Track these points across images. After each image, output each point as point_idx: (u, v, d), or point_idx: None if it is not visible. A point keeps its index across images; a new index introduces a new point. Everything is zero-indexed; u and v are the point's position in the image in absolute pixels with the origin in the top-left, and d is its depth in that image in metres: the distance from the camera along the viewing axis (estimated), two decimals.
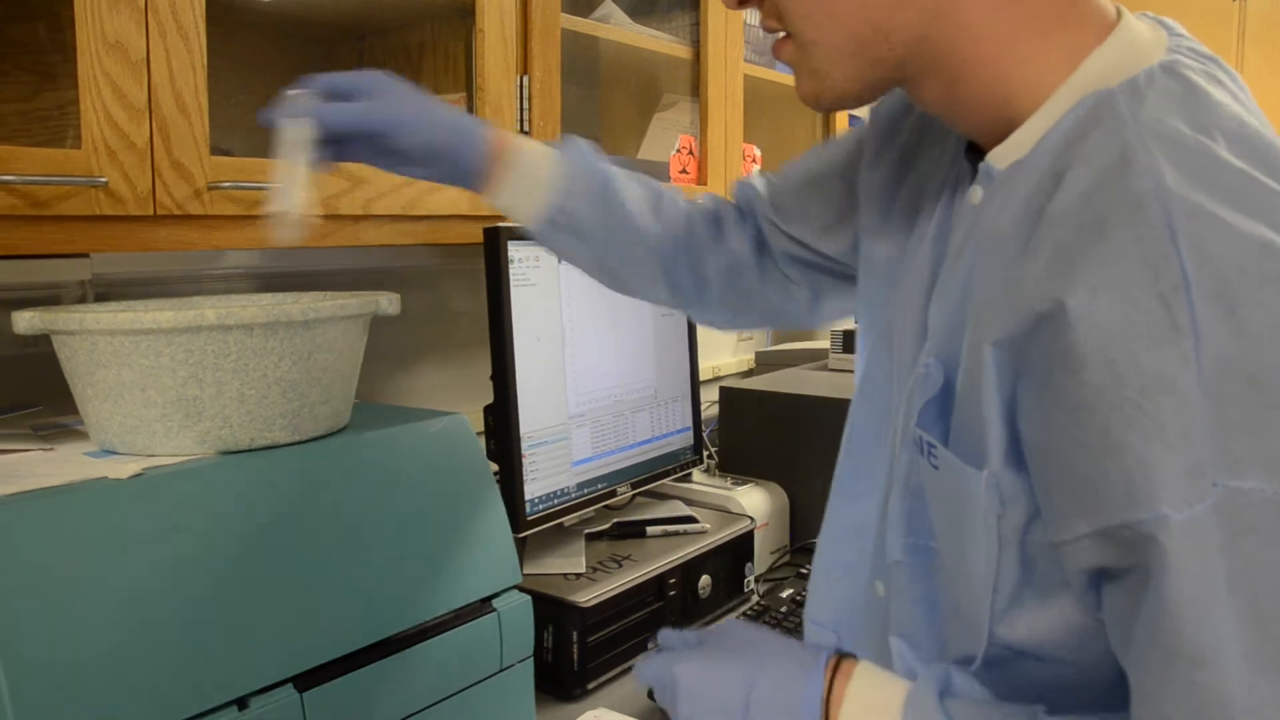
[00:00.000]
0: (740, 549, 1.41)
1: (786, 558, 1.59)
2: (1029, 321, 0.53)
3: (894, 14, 0.59)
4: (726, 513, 1.48)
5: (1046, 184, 0.55)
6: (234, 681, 0.75)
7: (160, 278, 1.21)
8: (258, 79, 1.32)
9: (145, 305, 0.95)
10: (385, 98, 0.77)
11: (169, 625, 0.72)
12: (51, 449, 0.86)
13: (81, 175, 0.82)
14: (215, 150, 0.93)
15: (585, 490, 1.32)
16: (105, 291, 1.14)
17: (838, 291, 0.92)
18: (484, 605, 0.95)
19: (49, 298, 1.11)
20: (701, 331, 1.60)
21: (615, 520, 1.40)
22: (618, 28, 1.49)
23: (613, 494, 1.38)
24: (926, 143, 0.75)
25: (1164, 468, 0.48)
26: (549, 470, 1.27)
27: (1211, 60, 0.58)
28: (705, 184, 1.62)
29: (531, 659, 1.00)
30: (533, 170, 0.83)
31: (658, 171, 1.58)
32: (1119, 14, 0.60)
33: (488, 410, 1.23)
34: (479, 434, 1.09)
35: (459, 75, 1.28)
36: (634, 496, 1.45)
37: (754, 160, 1.77)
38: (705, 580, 1.33)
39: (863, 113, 0.87)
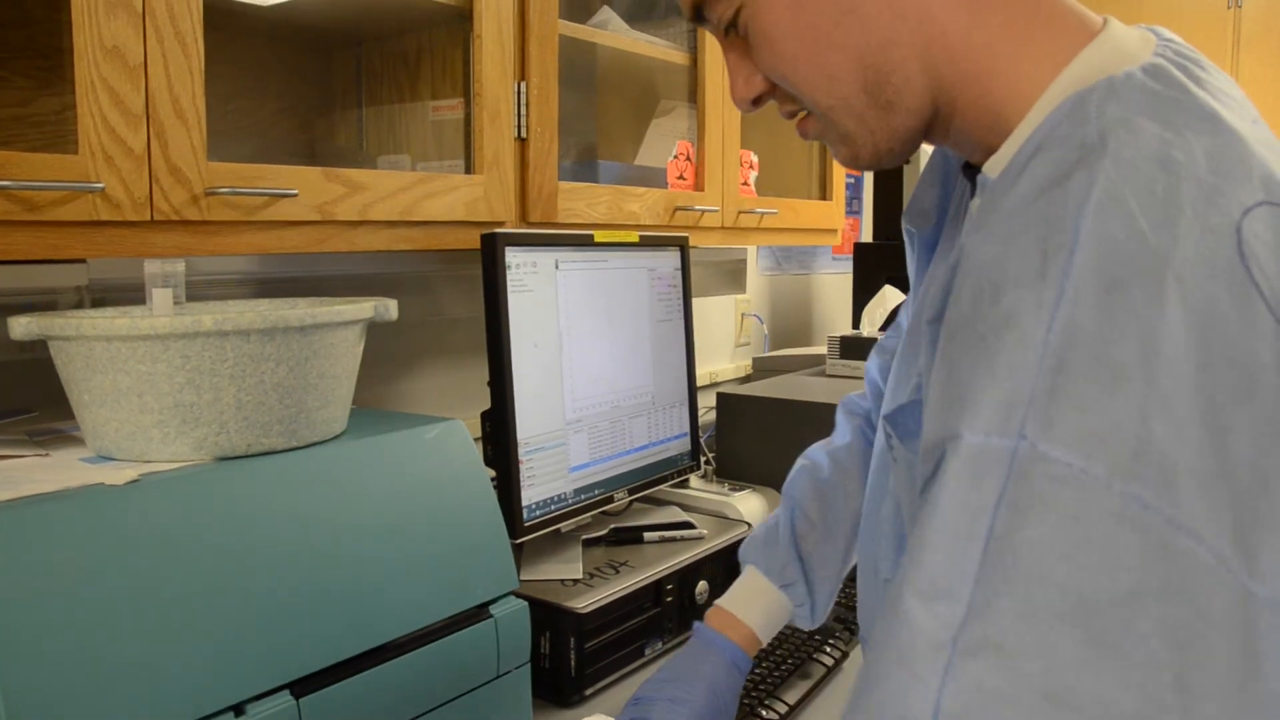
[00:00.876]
0: (737, 555, 1.41)
1: None
2: (947, 278, 0.54)
3: (887, 53, 0.60)
4: (724, 519, 1.48)
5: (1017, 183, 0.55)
6: (230, 688, 0.74)
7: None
8: (255, 85, 1.32)
9: (142, 311, 0.95)
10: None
11: (165, 632, 0.72)
12: (47, 455, 0.86)
13: (78, 180, 0.82)
14: (212, 156, 0.93)
15: (582, 496, 1.32)
16: (102, 297, 1.14)
17: None
18: (481, 611, 0.95)
19: (45, 303, 1.11)
20: (699, 337, 1.60)
21: (612, 526, 1.39)
22: (615, 34, 1.49)
23: (610, 500, 1.38)
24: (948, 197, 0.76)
25: (980, 393, 0.48)
26: (546, 476, 1.26)
27: (1196, 63, 0.58)
28: (703, 189, 1.62)
29: (529, 665, 1.00)
30: (772, 625, 0.96)
31: (655, 178, 1.58)
32: (1106, 23, 0.60)
33: (485, 416, 1.23)
34: (476, 440, 1.09)
35: (457, 81, 1.28)
36: (631, 502, 1.45)
37: (751, 166, 1.77)
38: (703, 586, 1.32)
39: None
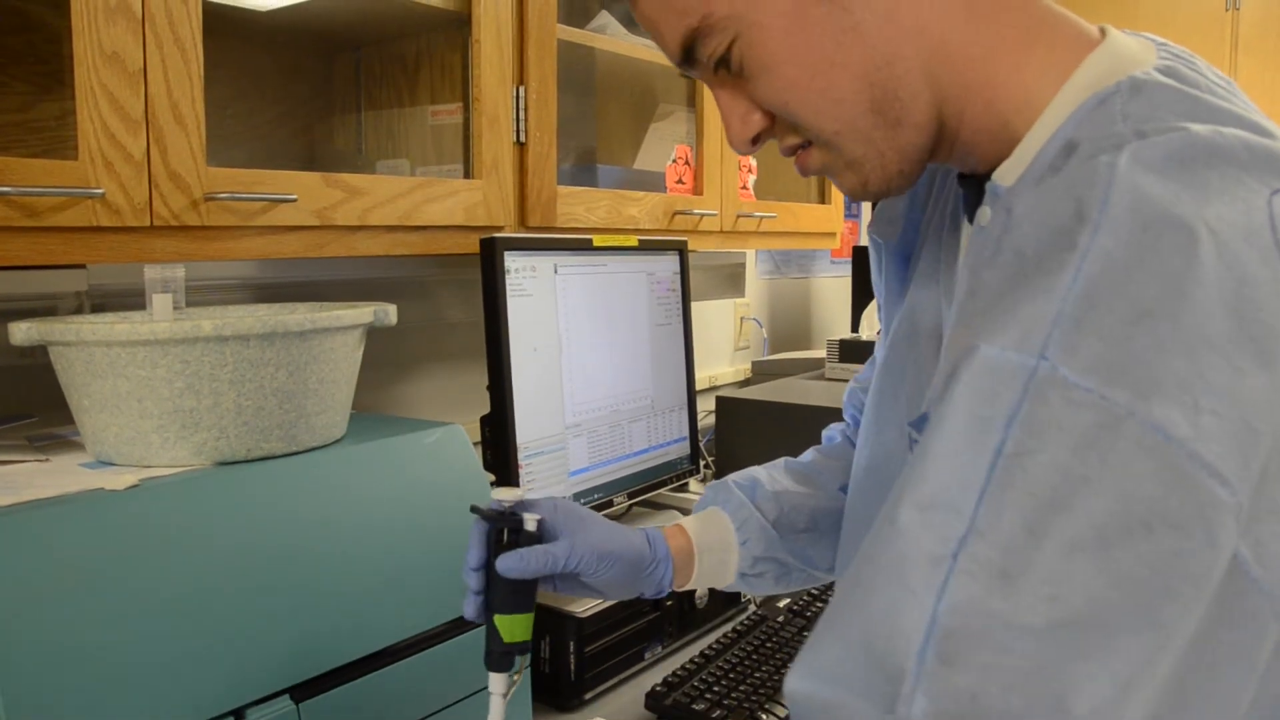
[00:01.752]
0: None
1: None
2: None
3: (892, 68, 0.59)
4: None
5: (1046, 179, 0.55)
6: (230, 692, 0.74)
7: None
8: (254, 90, 1.33)
9: (142, 316, 0.95)
10: (573, 539, 0.80)
11: (165, 636, 0.72)
12: (47, 460, 0.86)
13: (78, 186, 0.82)
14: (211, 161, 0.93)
15: (582, 500, 1.32)
16: (101, 302, 1.14)
17: None
18: None
19: (45, 309, 1.11)
20: (698, 341, 1.60)
21: None
22: (613, 38, 1.49)
23: (609, 504, 1.38)
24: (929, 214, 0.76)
25: (1004, 313, 0.48)
26: (546, 480, 1.26)
27: (1195, 68, 0.59)
28: (701, 193, 1.62)
29: (529, 669, 1.00)
30: (715, 567, 0.89)
31: (654, 182, 1.58)
32: (1104, 32, 0.61)
33: (484, 421, 1.22)
34: (475, 444, 1.09)
35: (455, 86, 1.28)
36: (631, 506, 1.45)
37: (749, 170, 1.77)
38: (702, 590, 1.32)
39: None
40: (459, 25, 1.23)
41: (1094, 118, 0.55)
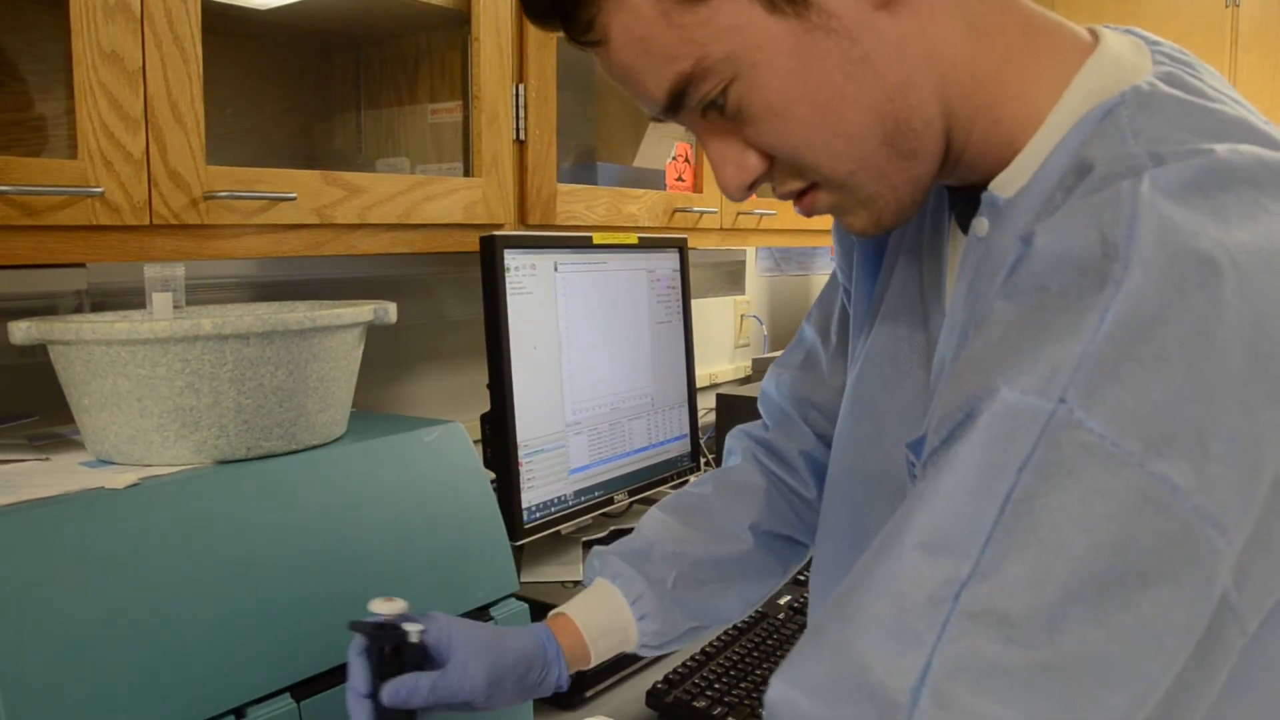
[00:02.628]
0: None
1: None
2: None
3: (904, 97, 0.57)
4: None
5: (1057, 199, 0.54)
6: (231, 691, 0.74)
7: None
8: (254, 89, 1.32)
9: (142, 315, 0.95)
10: (465, 663, 0.74)
11: (166, 635, 0.72)
12: (47, 459, 0.86)
13: (77, 185, 0.82)
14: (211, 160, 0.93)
15: (582, 498, 1.32)
16: (101, 301, 1.14)
17: None
18: (481, 613, 0.95)
19: (45, 308, 1.11)
20: (698, 338, 1.60)
21: (613, 528, 1.40)
22: None
23: (610, 501, 1.38)
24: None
25: (1025, 355, 0.47)
26: (546, 478, 1.26)
27: (1189, 66, 0.58)
28: (701, 190, 1.62)
29: None
30: (615, 645, 0.85)
31: (654, 180, 1.58)
32: (1095, 35, 0.60)
33: (484, 419, 1.23)
34: (476, 442, 1.09)
35: (455, 84, 1.28)
36: (631, 504, 1.45)
37: None
38: None
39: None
40: (458, 23, 1.23)
41: (1102, 133, 0.54)
